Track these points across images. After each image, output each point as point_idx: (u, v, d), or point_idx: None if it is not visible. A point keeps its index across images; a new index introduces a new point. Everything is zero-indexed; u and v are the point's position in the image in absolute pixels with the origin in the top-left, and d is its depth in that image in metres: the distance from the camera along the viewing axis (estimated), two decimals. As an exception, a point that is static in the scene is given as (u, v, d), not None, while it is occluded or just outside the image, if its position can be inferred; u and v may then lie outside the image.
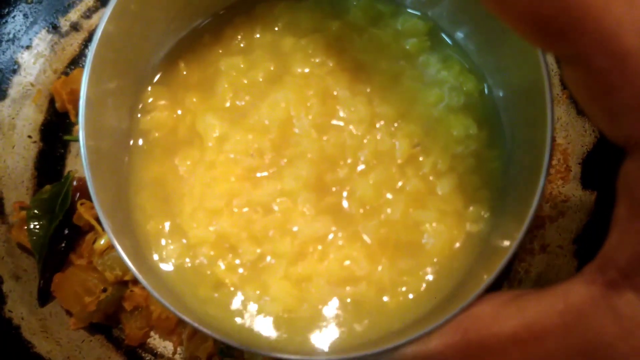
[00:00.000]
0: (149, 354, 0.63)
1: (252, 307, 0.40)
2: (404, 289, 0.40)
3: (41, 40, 0.70)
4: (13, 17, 0.69)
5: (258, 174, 0.42)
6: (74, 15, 0.71)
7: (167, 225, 0.42)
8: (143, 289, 0.62)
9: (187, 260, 0.41)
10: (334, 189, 0.42)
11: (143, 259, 0.41)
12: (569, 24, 0.26)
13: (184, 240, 0.42)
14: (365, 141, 0.42)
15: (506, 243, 0.36)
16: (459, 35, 0.46)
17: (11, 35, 0.69)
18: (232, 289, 0.40)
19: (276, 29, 0.46)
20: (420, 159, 0.42)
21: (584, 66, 0.27)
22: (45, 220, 0.63)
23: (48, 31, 0.70)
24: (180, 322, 0.62)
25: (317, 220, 0.41)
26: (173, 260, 0.41)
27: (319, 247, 0.41)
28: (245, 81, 0.44)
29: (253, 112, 0.43)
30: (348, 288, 0.40)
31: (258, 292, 0.40)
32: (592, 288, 0.29)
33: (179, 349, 0.62)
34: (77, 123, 0.68)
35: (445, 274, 0.40)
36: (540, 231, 0.61)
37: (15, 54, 0.69)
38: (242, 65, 0.45)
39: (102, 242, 0.61)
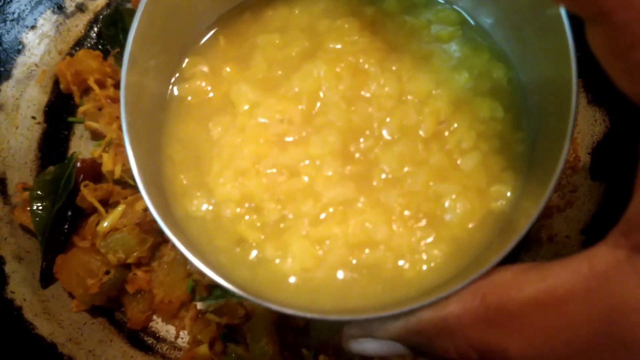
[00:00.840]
0: (151, 338, 0.62)
1: (271, 263, 0.41)
2: (424, 256, 0.40)
3: (46, 20, 0.70)
4: (18, -3, 0.68)
5: (286, 139, 0.44)
6: (79, -4, 0.71)
7: (194, 180, 0.44)
8: (146, 272, 0.62)
9: (211, 216, 0.43)
10: (358, 156, 0.43)
11: (168, 212, 0.42)
12: None
13: (210, 197, 0.43)
14: (392, 115, 0.44)
15: (523, 224, 0.36)
16: (488, 24, 0.47)
17: (16, 15, 0.68)
18: (253, 244, 0.42)
19: (314, 12, 0.48)
20: (446, 134, 0.43)
21: (607, 22, 0.27)
22: (48, 201, 0.62)
23: (53, 11, 0.70)
24: (183, 306, 0.62)
25: (340, 185, 0.42)
26: (198, 215, 0.43)
27: (341, 209, 0.42)
28: (280, 56, 0.46)
29: (285, 82, 0.45)
30: (367, 250, 0.41)
31: (279, 251, 0.41)
32: (617, 252, 0.28)
33: (181, 333, 0.62)
34: (81, 105, 0.68)
35: (463, 248, 0.40)
36: (548, 221, 0.61)
37: (19, 34, 0.68)
38: (277, 41, 0.47)
39: (105, 224, 0.61)
